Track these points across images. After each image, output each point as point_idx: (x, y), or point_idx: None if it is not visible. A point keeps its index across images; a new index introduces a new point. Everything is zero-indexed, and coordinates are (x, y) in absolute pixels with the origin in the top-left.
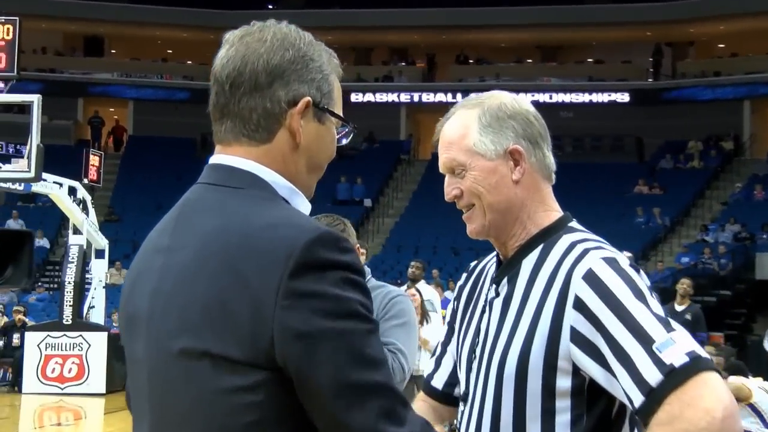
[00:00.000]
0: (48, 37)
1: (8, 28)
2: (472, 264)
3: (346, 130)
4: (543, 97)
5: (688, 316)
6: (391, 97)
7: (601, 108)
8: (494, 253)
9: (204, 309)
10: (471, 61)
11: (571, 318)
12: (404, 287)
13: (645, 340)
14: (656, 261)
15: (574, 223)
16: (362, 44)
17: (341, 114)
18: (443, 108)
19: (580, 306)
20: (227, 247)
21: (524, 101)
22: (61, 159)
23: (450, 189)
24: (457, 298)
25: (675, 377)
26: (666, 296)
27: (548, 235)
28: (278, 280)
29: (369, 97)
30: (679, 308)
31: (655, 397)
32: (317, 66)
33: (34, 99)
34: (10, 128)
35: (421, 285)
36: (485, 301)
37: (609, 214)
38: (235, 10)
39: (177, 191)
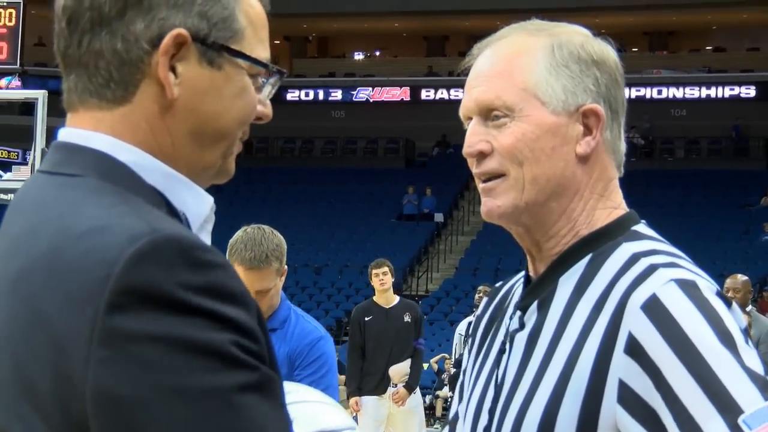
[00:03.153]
0: None
1: (10, 13)
2: (498, 285)
3: (270, 78)
4: (651, 92)
5: None
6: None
7: (722, 104)
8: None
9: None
10: None
11: (622, 367)
12: (472, 317)
13: (727, 407)
14: None
15: (641, 227)
16: (435, 32)
17: (260, 55)
18: None
19: (635, 350)
20: (27, 269)
21: (611, 50)
22: None
23: (476, 139)
24: (473, 334)
25: None
26: None
27: (601, 242)
28: (91, 319)
29: (442, 93)
30: None
31: None
32: None
33: (39, 95)
34: (16, 132)
35: None
36: (506, 335)
37: (729, 231)
38: None
39: (218, 208)
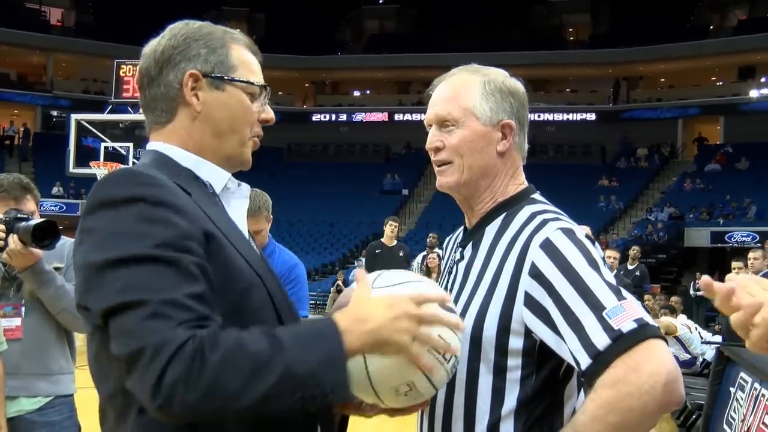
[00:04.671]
0: None
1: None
2: (450, 235)
3: (263, 97)
4: (534, 116)
5: (637, 273)
6: (423, 117)
7: (575, 124)
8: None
9: None
10: None
11: (526, 284)
12: (425, 252)
13: (596, 306)
14: (613, 234)
15: (536, 195)
16: (403, 79)
17: (249, 80)
18: None
19: (535, 273)
20: None
21: (521, 85)
22: None
23: (434, 140)
24: (444, 266)
25: (622, 342)
26: (620, 259)
27: (511, 205)
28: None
29: (407, 116)
30: (630, 267)
31: (602, 360)
32: (202, 42)
33: None
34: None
35: (438, 250)
36: (452, 262)
37: (580, 200)
38: (314, 55)
39: (270, 187)
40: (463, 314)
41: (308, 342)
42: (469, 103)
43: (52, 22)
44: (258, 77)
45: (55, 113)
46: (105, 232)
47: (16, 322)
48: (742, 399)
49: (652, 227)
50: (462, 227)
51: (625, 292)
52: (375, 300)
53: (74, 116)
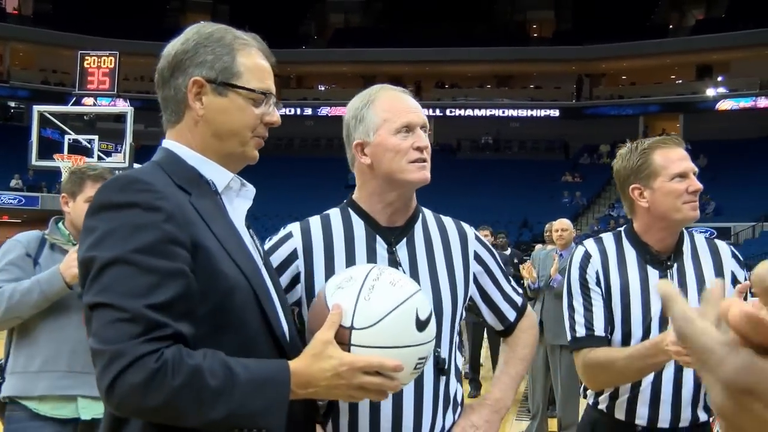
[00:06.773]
0: (147, 68)
1: (111, 59)
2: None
3: (265, 98)
4: (498, 112)
5: None
6: None
7: (539, 120)
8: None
9: None
10: (446, 86)
11: (473, 268)
12: None
13: (507, 278)
14: (577, 228)
15: None
16: (368, 74)
17: (254, 86)
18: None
19: (479, 260)
20: None
21: None
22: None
23: (426, 141)
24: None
25: (524, 299)
26: None
27: (419, 208)
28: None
29: None
30: None
31: (521, 312)
32: (210, 49)
33: (128, 110)
34: (113, 133)
35: None
36: (385, 257)
37: (544, 196)
38: (279, 48)
39: (265, 180)
40: (438, 300)
41: (260, 386)
42: None
43: (8, 10)
44: (264, 83)
45: (12, 104)
46: (100, 233)
47: None
48: None
49: (615, 222)
50: (360, 228)
51: None
52: (325, 365)
53: (37, 107)
